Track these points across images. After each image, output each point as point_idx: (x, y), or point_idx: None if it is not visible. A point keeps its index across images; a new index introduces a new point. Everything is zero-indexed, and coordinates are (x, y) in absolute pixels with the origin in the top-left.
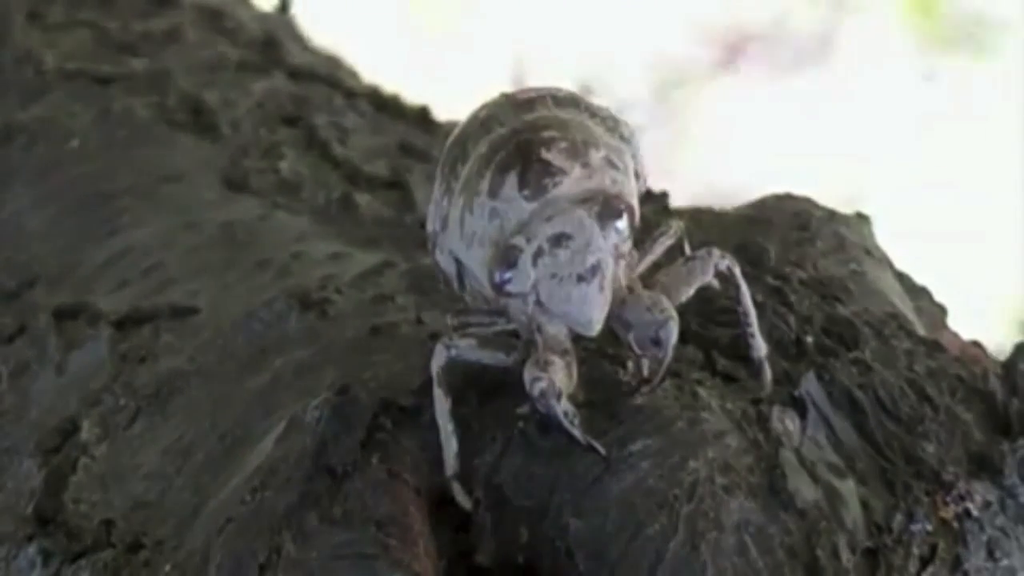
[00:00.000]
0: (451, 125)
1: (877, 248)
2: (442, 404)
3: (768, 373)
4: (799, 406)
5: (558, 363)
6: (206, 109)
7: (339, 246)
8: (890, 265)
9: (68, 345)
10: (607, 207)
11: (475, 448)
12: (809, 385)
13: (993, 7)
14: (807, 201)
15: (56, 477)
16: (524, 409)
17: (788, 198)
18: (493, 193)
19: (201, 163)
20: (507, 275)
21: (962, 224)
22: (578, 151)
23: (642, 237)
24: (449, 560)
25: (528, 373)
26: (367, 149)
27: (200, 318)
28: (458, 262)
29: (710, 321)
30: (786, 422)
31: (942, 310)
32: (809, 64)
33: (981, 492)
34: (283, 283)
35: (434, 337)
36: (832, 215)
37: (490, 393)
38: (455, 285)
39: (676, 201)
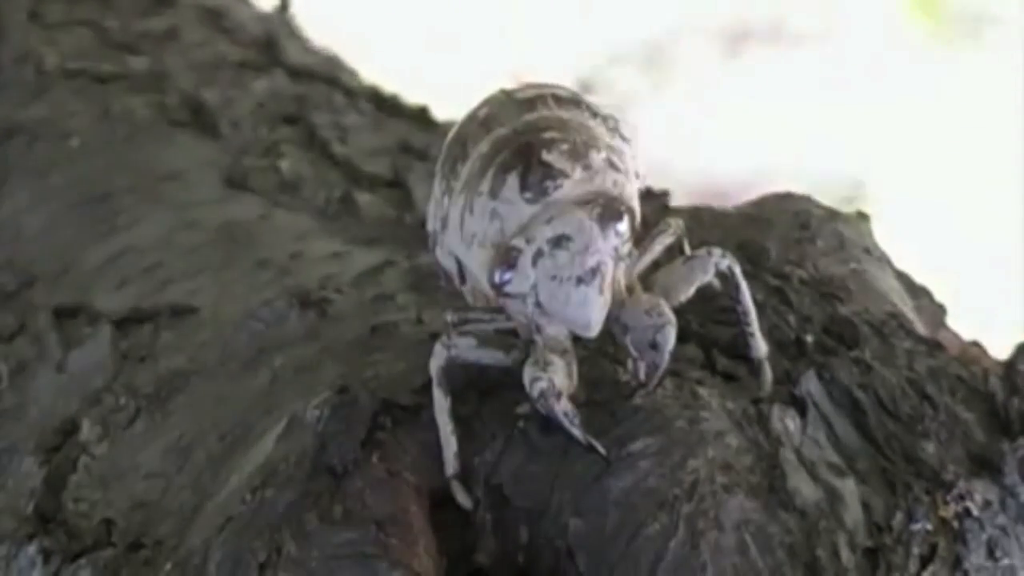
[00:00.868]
0: (451, 124)
1: (877, 247)
2: (442, 404)
3: (768, 372)
4: (799, 405)
5: (558, 363)
6: (206, 108)
7: (339, 245)
8: (890, 264)
9: (68, 344)
10: (608, 209)
11: (475, 448)
12: (809, 384)
13: (994, 2)
14: (807, 200)
15: (56, 476)
16: (524, 409)
17: (788, 197)
18: (494, 194)
19: (201, 162)
20: (507, 276)
21: (963, 224)
22: (579, 153)
23: (641, 236)
24: (449, 559)
25: (528, 373)
26: (367, 148)
27: (200, 317)
28: (459, 260)
29: (710, 320)
30: (786, 421)
31: (942, 309)
32: (809, 60)
33: (981, 491)
34: (283, 282)
35: (434, 336)
36: (832, 214)
37: (490, 393)
38: (456, 282)
39: (675, 198)
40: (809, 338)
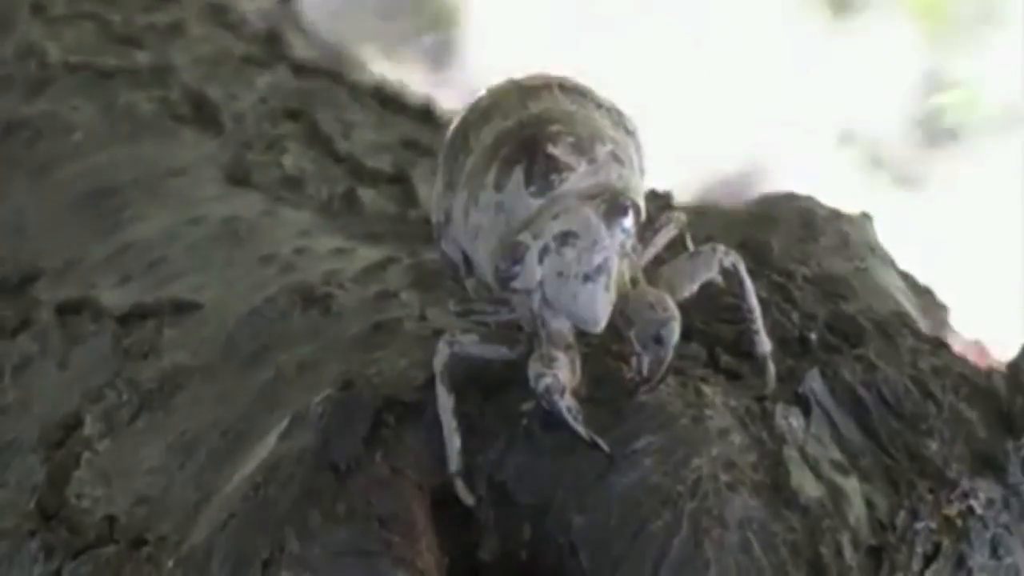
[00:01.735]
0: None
1: (880, 246)
2: (445, 401)
3: (772, 370)
4: (803, 403)
5: (562, 359)
6: (209, 103)
7: (342, 241)
8: (893, 264)
9: (71, 340)
10: (614, 205)
11: (478, 445)
12: (813, 382)
13: (998, 5)
14: (811, 199)
15: (59, 472)
16: (527, 406)
17: (792, 196)
18: (499, 187)
19: (204, 157)
20: (513, 271)
21: (964, 224)
22: (584, 146)
23: (644, 230)
24: (452, 557)
25: (532, 369)
26: (371, 144)
27: (203, 313)
28: (464, 252)
29: (714, 318)
30: (790, 419)
31: (945, 309)
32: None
33: (985, 490)
34: (286, 278)
35: (437, 333)
36: (836, 213)
37: (493, 390)
38: (463, 273)
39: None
40: (813, 336)
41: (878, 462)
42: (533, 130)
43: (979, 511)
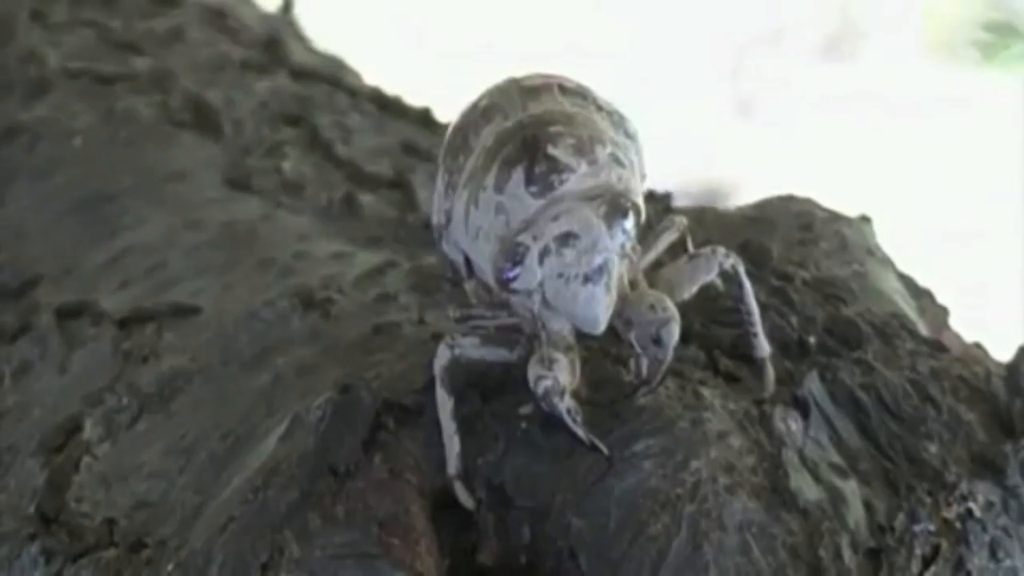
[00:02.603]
0: None
1: (879, 249)
2: (445, 404)
3: (771, 373)
4: (802, 406)
5: (562, 360)
6: (209, 109)
7: (342, 246)
8: (892, 266)
9: (71, 344)
10: (614, 206)
11: (478, 448)
12: (812, 385)
13: (999, 12)
14: (810, 202)
15: (59, 476)
16: (527, 409)
17: (791, 199)
18: (499, 188)
19: (204, 162)
20: (513, 272)
21: (964, 225)
22: (584, 147)
23: (645, 232)
24: (451, 560)
25: (532, 370)
26: (370, 149)
27: (203, 317)
28: (465, 253)
29: (713, 321)
30: (789, 422)
31: (944, 311)
32: (815, 66)
33: (984, 492)
34: (286, 282)
35: (437, 337)
36: (835, 216)
37: (493, 393)
38: (463, 273)
39: (677, 201)
40: (811, 339)
41: (877, 465)
42: (534, 131)
43: (978, 513)
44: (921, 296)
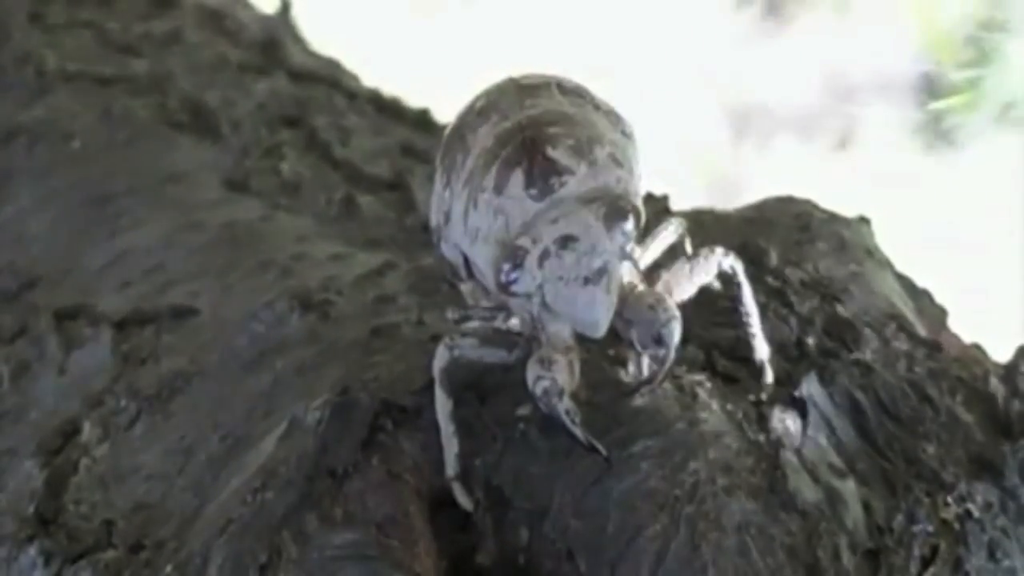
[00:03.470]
0: None
1: (878, 250)
2: (444, 405)
3: (769, 374)
4: (800, 407)
5: (561, 361)
6: (207, 110)
7: (340, 247)
8: (891, 267)
9: (69, 346)
10: (613, 209)
11: (476, 449)
12: (810, 386)
13: (997, 13)
14: (808, 203)
15: (57, 478)
16: (525, 411)
17: (789, 200)
18: (498, 190)
19: (202, 164)
20: (513, 275)
21: (964, 225)
22: (583, 149)
23: (644, 234)
24: (450, 561)
25: (531, 371)
26: (368, 150)
27: (201, 319)
28: (464, 254)
29: (711, 322)
30: (787, 423)
31: (943, 312)
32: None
33: (982, 493)
34: (284, 284)
35: (435, 338)
36: (833, 217)
37: (491, 394)
38: (462, 274)
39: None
40: (810, 340)
41: (875, 465)
42: (532, 132)
43: (976, 514)
44: (919, 297)
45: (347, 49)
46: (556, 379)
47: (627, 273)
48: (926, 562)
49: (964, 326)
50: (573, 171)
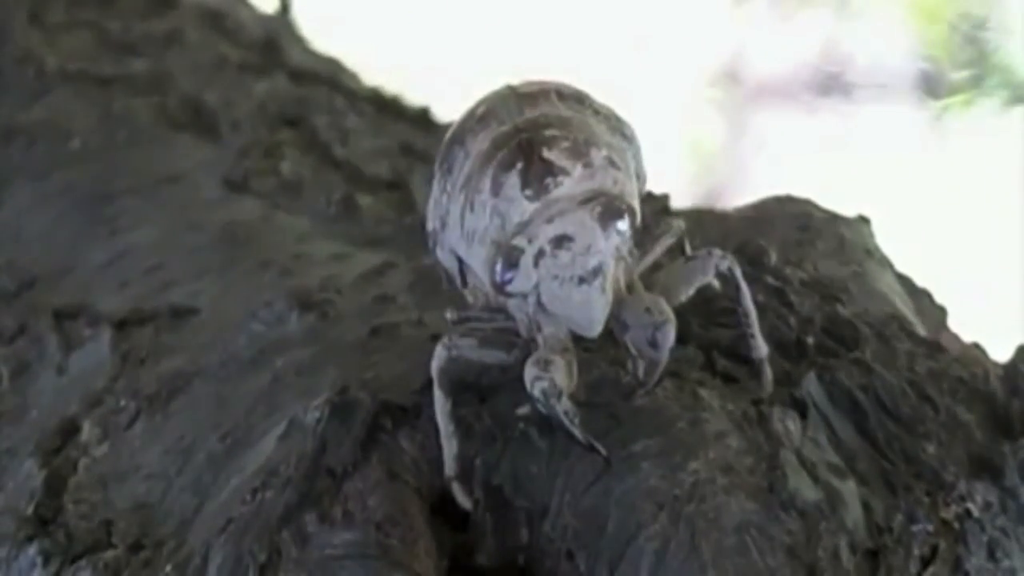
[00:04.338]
0: (452, 126)
1: (878, 249)
2: (443, 405)
3: (769, 374)
4: (800, 407)
5: (559, 362)
6: (207, 110)
7: (340, 247)
8: (891, 266)
9: (69, 346)
10: (609, 208)
11: (475, 449)
12: (810, 386)
13: (997, 13)
14: (808, 203)
15: (57, 478)
16: (524, 410)
17: (789, 200)
18: (494, 191)
19: (202, 164)
20: (508, 275)
21: (963, 226)
22: (580, 150)
23: (642, 236)
24: (449, 561)
25: (529, 372)
26: (368, 150)
27: (201, 319)
28: (459, 259)
29: (711, 322)
30: (787, 423)
31: (943, 311)
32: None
33: (982, 493)
34: (284, 284)
35: (435, 338)
36: (833, 217)
37: (490, 394)
38: (457, 281)
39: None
40: (810, 339)
41: (875, 465)
42: (529, 134)
43: (976, 514)
44: (919, 296)
45: (347, 49)
46: (554, 380)
47: (624, 274)
48: (926, 562)
49: (964, 326)
50: (569, 172)
